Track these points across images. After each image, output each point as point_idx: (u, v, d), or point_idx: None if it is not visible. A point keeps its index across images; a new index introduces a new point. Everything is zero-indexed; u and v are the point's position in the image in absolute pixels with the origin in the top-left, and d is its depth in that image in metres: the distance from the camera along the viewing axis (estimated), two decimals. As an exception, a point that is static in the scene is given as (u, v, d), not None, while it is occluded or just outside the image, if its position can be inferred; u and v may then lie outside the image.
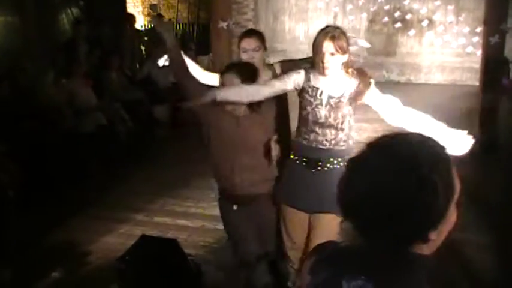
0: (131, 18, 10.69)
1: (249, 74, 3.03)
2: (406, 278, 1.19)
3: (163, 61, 3.89)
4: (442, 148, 1.20)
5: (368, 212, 1.15)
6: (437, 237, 1.20)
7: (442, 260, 3.92)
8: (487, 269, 3.93)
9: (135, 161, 6.54)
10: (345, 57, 2.92)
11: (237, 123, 3.04)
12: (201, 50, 10.20)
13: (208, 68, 9.01)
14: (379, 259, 1.20)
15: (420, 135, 1.22)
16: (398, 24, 11.30)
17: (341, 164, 2.94)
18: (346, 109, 2.97)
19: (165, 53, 8.94)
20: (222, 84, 3.07)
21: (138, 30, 10.93)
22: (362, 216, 1.17)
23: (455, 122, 7.88)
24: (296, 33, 12.25)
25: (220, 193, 3.26)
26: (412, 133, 1.24)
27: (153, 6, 13.44)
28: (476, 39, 10.60)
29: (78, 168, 5.96)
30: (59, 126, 6.34)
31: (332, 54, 2.90)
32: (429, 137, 1.21)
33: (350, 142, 3.05)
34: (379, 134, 1.23)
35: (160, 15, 11.52)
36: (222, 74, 3.14)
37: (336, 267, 1.24)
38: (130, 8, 13.80)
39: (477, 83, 7.48)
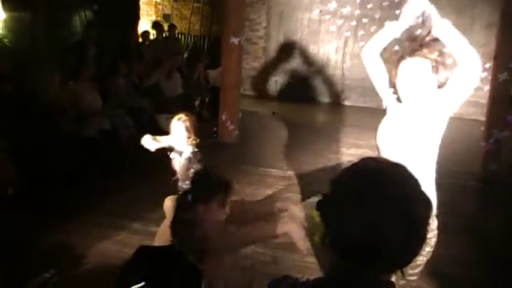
0: (159, 27, 10.86)
1: None
2: None
3: None
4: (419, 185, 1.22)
5: (360, 245, 1.16)
6: None
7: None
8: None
9: (136, 168, 6.52)
10: None
11: None
12: (211, 63, 10.23)
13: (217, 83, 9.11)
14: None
15: (404, 168, 1.24)
16: (408, 54, 11.33)
17: None
18: None
19: (174, 63, 8.99)
20: None
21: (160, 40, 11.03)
22: (353, 248, 1.18)
23: (458, 155, 7.90)
24: (306, 54, 12.29)
25: None
26: (396, 167, 1.25)
27: (166, 16, 13.55)
28: (484, 74, 10.55)
29: (79, 171, 5.95)
30: (62, 128, 6.34)
31: None
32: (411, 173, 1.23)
33: None
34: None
35: (173, 26, 11.60)
36: None
37: None
38: (144, 15, 13.89)
39: (482, 118, 7.48)
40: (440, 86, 2.81)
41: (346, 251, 1.20)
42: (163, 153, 6.81)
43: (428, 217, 1.18)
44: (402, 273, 1.22)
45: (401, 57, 2.85)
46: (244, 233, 3.06)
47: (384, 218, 1.12)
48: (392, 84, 2.93)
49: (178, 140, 4.46)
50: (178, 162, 4.51)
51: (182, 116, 4.49)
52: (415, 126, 2.84)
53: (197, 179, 3.06)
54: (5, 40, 8.00)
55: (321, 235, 1.21)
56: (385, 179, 1.18)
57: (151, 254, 2.62)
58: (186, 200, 2.87)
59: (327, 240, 1.22)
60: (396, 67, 2.87)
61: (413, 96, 2.82)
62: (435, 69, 2.77)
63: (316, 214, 1.23)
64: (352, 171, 1.25)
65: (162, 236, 4.13)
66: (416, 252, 1.18)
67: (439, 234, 3.04)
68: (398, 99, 2.92)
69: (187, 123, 4.43)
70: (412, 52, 2.79)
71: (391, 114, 3.00)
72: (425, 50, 2.78)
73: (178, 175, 4.52)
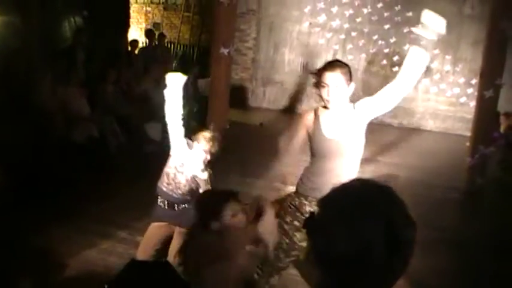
0: (151, 35, 10.92)
1: None
2: None
3: None
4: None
5: (343, 264, 1.17)
6: None
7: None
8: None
9: (123, 176, 6.50)
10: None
11: None
12: (200, 72, 10.24)
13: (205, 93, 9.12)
14: None
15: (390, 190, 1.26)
16: (396, 68, 11.43)
17: None
18: None
19: (164, 71, 8.98)
20: None
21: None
22: (337, 267, 1.20)
23: (443, 169, 7.93)
24: (295, 66, 12.36)
25: None
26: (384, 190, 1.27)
27: (155, 25, 13.57)
28: (470, 90, 10.76)
29: (65, 176, 5.91)
30: (50, 133, 6.32)
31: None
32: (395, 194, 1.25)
33: None
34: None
35: (162, 35, 11.61)
36: None
37: None
38: (134, 23, 13.91)
39: (468, 133, 7.58)
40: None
41: (329, 269, 1.22)
42: (150, 162, 6.79)
43: (413, 240, 1.20)
44: None
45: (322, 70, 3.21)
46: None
47: (369, 239, 1.14)
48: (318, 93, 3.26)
49: (197, 158, 4.23)
50: (185, 176, 4.29)
51: (208, 135, 4.24)
52: (340, 128, 3.23)
53: (205, 201, 3.10)
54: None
55: (306, 251, 1.24)
56: (372, 201, 1.20)
57: (142, 268, 2.62)
58: (199, 225, 2.89)
59: (311, 257, 1.23)
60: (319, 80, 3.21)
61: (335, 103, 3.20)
62: (348, 82, 3.18)
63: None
64: (340, 191, 1.26)
65: (146, 244, 4.11)
66: (400, 273, 1.19)
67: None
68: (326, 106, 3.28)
69: (213, 144, 4.26)
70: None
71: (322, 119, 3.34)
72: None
73: (172, 184, 4.34)
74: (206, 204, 3.06)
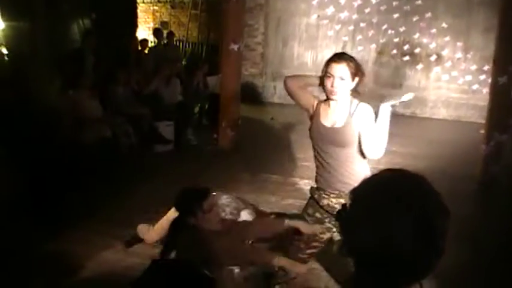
0: (160, 34, 10.93)
1: None
2: None
3: None
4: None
5: (375, 257, 1.16)
6: None
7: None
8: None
9: (136, 176, 6.51)
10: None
11: None
12: (210, 70, 10.24)
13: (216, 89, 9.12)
14: None
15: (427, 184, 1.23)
16: (407, 58, 11.37)
17: None
18: None
19: (173, 70, 8.96)
20: None
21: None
22: (368, 260, 1.18)
23: (457, 158, 7.86)
24: (304, 59, 12.32)
25: None
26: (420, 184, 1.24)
27: (163, 23, 13.58)
28: (483, 77, 10.65)
29: (79, 178, 5.93)
30: (62, 136, 6.34)
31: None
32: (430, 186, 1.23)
33: None
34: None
35: (171, 33, 11.61)
36: None
37: None
38: (141, 23, 13.91)
39: (481, 121, 7.50)
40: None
41: (361, 262, 1.21)
42: (164, 162, 6.82)
43: (447, 229, 1.17)
44: (421, 286, 1.21)
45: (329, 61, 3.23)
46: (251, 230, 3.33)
47: (400, 230, 1.12)
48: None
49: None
50: None
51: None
52: (337, 118, 3.28)
53: (179, 202, 3.39)
54: (4, 49, 8.02)
55: (339, 244, 1.23)
56: (403, 191, 1.18)
57: (165, 268, 2.62)
58: (179, 221, 3.19)
59: (344, 250, 1.22)
60: (324, 70, 3.26)
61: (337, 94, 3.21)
62: (353, 76, 3.18)
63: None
64: (371, 182, 1.25)
65: (161, 228, 4.16)
66: (434, 264, 1.17)
67: None
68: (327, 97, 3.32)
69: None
70: None
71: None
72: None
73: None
74: (182, 200, 3.32)
